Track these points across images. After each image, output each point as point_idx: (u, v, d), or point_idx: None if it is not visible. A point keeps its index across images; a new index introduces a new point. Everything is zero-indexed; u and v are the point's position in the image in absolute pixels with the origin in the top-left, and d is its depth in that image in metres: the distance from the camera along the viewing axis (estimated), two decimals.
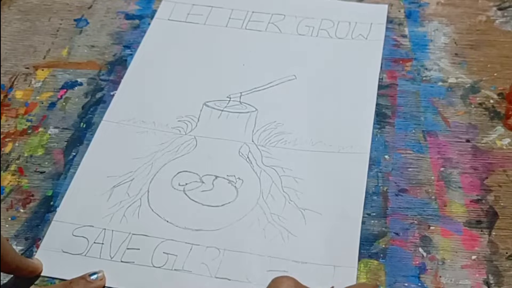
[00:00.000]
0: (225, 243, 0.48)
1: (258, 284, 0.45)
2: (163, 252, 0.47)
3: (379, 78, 0.59)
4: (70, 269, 0.46)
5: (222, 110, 0.57)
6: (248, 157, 0.53)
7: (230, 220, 0.49)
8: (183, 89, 0.59)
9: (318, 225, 0.48)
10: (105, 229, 0.49)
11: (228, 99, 0.58)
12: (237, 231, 0.48)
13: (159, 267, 0.46)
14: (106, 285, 0.46)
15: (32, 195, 0.52)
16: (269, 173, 0.52)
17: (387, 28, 0.64)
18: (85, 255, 0.47)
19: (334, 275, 0.46)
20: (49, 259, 0.47)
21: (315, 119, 0.56)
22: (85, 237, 0.48)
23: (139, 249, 0.47)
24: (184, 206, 0.50)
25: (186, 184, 0.51)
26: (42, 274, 0.47)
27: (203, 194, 0.51)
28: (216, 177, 0.52)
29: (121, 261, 0.47)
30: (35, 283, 0.47)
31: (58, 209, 0.51)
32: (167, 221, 0.49)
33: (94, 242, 0.48)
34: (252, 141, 0.55)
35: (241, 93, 0.58)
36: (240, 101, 0.58)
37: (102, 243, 0.48)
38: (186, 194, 0.51)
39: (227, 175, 0.52)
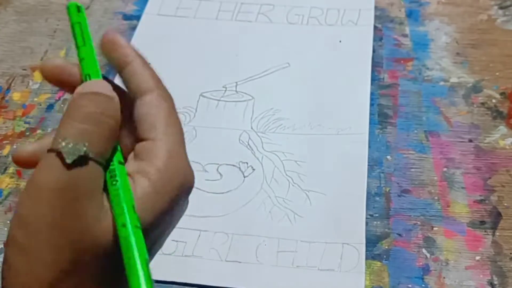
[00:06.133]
0: (233, 227, 0.48)
1: (268, 265, 0.46)
2: (172, 240, 0.47)
3: (380, 78, 0.59)
4: None
5: (219, 100, 0.58)
6: (248, 144, 0.54)
7: (236, 205, 0.50)
8: (178, 82, 0.59)
9: (324, 205, 0.49)
10: None
11: (224, 89, 0.58)
12: (244, 216, 0.49)
13: (169, 254, 0.47)
14: None
15: None
16: (271, 158, 0.53)
17: (387, 28, 0.63)
18: None
19: (342, 252, 0.46)
20: None
21: (312, 103, 0.57)
22: None
23: None
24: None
25: None
26: None
27: (207, 182, 0.51)
28: (219, 165, 0.52)
29: None
30: None
31: None
32: None
33: None
34: (251, 128, 0.55)
35: (236, 82, 0.59)
36: (236, 90, 0.58)
37: None
38: None
39: (236, 163, 0.52)
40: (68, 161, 0.25)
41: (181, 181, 0.30)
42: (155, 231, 0.28)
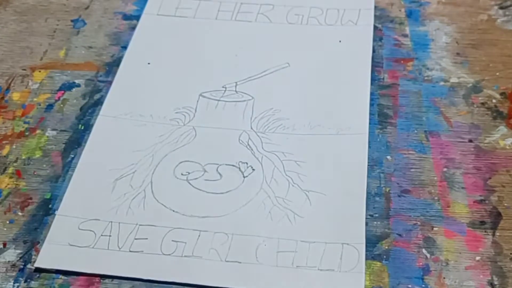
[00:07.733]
0: (232, 228, 0.48)
1: (268, 265, 0.46)
2: (172, 240, 0.47)
3: (380, 78, 0.59)
4: (78, 261, 0.46)
5: (219, 100, 0.57)
6: (248, 144, 0.54)
7: (235, 205, 0.50)
8: (177, 82, 0.60)
9: (324, 206, 0.49)
10: (111, 221, 0.49)
11: (224, 89, 0.58)
12: (243, 216, 0.49)
13: (169, 255, 0.47)
14: (116, 275, 0.46)
15: (30, 198, 0.51)
16: (271, 158, 0.53)
17: (388, 28, 0.63)
18: (93, 247, 0.47)
19: (342, 252, 0.46)
20: (56, 251, 0.47)
21: (311, 104, 0.57)
22: (92, 231, 0.48)
23: (147, 238, 0.48)
24: (189, 195, 0.50)
25: (189, 173, 0.52)
26: (48, 266, 0.46)
27: (207, 182, 0.51)
28: (219, 165, 0.52)
29: (130, 251, 0.47)
30: (39, 276, 0.46)
31: (61, 203, 0.50)
32: (173, 211, 0.49)
33: (102, 235, 0.48)
34: (251, 128, 0.55)
35: (236, 82, 0.59)
36: (235, 91, 0.58)
37: (110, 235, 0.48)
38: (189, 183, 0.51)
39: (236, 163, 0.52)
40: None
41: None
42: None
